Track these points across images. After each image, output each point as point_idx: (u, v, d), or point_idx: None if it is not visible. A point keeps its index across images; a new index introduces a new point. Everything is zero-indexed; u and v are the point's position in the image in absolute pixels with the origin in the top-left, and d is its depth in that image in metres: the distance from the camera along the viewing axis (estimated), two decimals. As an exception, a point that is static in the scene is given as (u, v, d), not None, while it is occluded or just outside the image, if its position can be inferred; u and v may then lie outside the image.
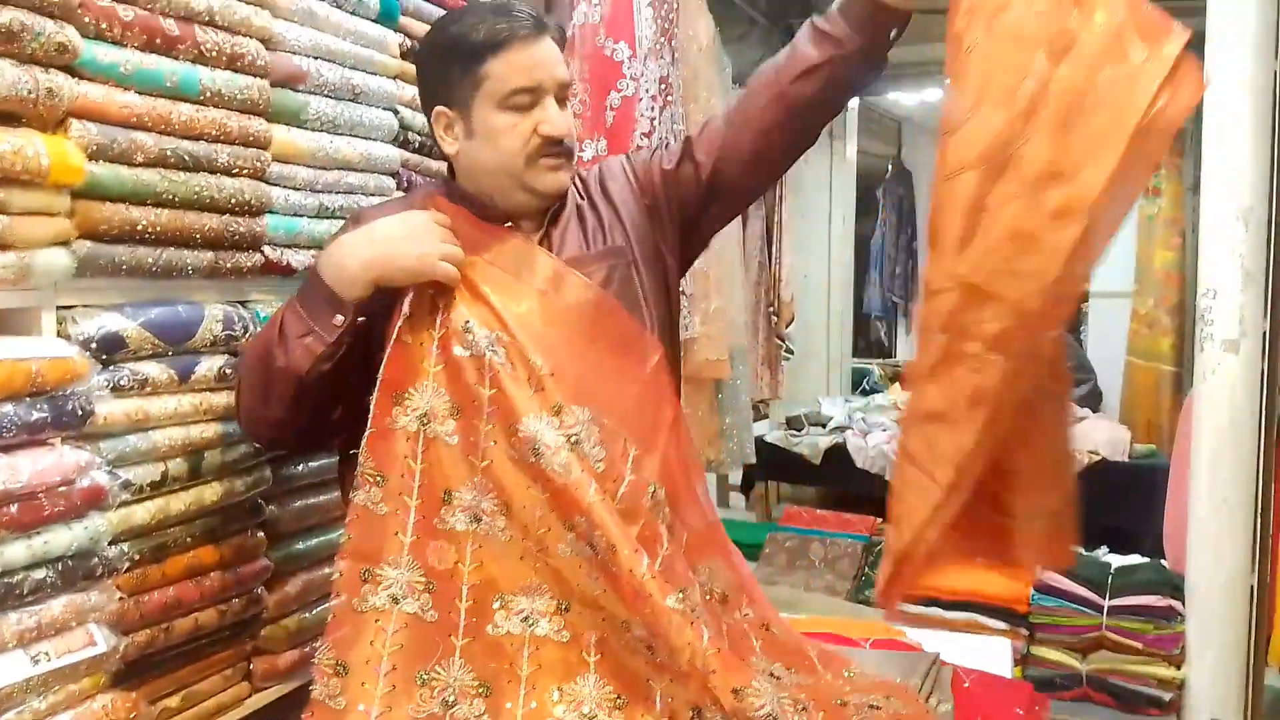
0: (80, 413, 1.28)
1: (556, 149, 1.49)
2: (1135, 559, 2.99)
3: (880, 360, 6.78)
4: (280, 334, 1.42)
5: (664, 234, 1.60)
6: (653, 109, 2.38)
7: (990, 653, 2.19)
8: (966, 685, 1.75)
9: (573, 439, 1.35)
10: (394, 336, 1.37)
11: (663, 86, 2.42)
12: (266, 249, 1.63)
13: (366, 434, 1.36)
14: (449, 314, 1.38)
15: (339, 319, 1.39)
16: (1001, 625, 2.68)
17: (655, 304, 1.58)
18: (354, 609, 1.34)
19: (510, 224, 1.52)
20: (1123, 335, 5.92)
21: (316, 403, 1.46)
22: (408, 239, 1.40)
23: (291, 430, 1.50)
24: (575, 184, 1.61)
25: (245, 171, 1.56)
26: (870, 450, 4.46)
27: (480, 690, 1.34)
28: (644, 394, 1.45)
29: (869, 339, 8.81)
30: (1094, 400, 5.73)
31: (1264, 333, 2.43)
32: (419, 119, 1.94)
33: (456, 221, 1.43)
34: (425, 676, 1.33)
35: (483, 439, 1.36)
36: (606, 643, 1.35)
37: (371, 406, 1.36)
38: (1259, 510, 2.46)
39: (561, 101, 1.50)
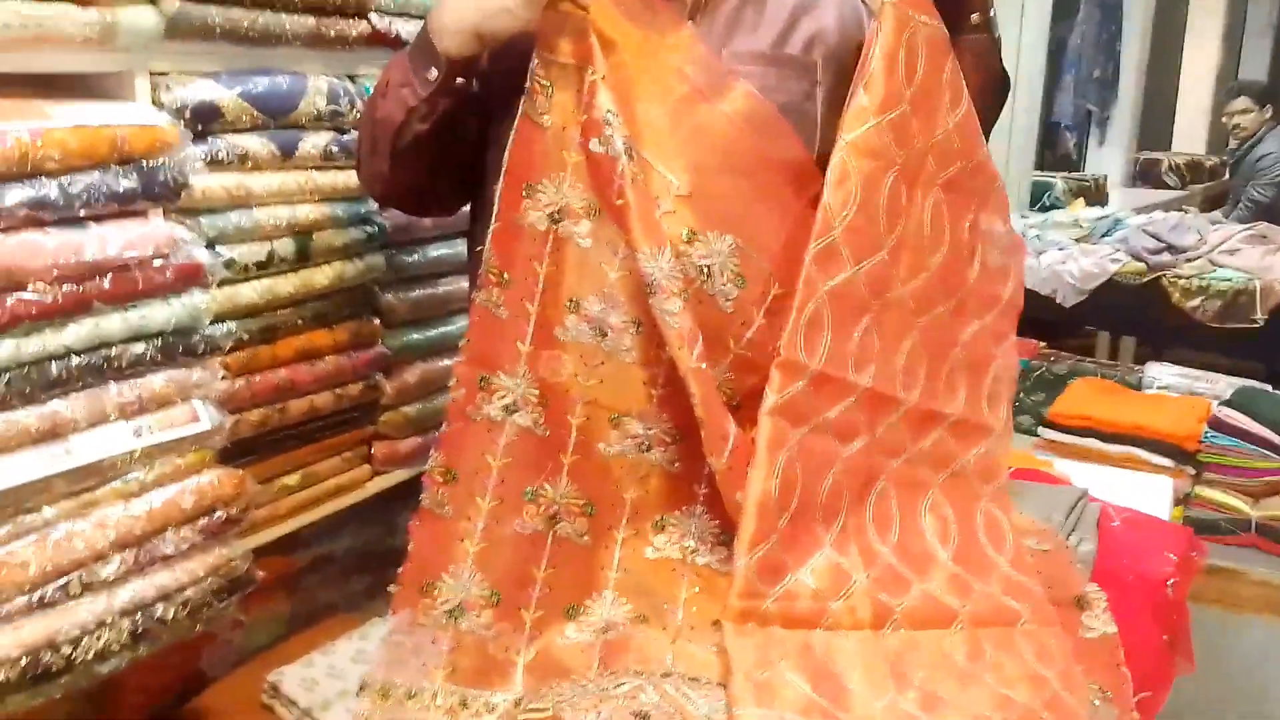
0: (173, 183, 1.23)
1: None
2: (1332, 402, 2.70)
3: (1065, 175, 6.25)
4: (385, 82, 1.32)
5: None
6: None
7: (1148, 491, 2.04)
8: (1115, 524, 1.62)
9: (705, 270, 1.23)
10: (518, 115, 1.22)
11: None
12: (373, 16, 1.52)
13: (492, 227, 1.24)
14: (593, 98, 1.20)
15: (433, 73, 1.26)
16: (1166, 463, 2.46)
17: (825, 139, 1.34)
18: (468, 416, 1.27)
19: None
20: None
21: (421, 164, 1.35)
22: None
23: (400, 188, 1.41)
24: None
25: (348, -75, 1.44)
26: (1042, 271, 4.20)
27: (585, 509, 1.28)
28: (796, 228, 1.28)
29: (1056, 152, 8.18)
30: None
31: None
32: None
33: None
34: (533, 492, 1.27)
35: (620, 246, 1.23)
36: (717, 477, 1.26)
37: (497, 198, 1.24)
38: None
39: None
